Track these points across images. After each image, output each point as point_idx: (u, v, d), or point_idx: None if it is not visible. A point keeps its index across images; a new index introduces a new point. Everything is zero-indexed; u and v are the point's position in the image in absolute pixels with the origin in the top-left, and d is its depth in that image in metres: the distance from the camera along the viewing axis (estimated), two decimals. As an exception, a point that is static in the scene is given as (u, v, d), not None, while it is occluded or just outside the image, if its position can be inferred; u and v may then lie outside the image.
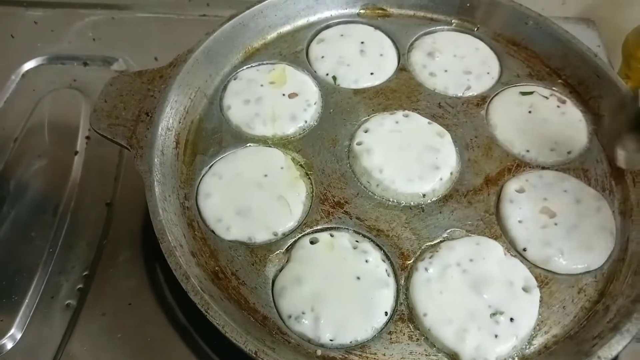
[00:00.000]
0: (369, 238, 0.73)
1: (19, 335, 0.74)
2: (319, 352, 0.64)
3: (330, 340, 0.65)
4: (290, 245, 0.72)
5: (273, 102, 0.84)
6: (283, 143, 0.81)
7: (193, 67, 0.83)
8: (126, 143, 0.75)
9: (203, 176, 0.77)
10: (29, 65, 1.06)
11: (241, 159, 0.78)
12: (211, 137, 0.81)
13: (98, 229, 0.84)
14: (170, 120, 0.79)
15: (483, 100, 0.87)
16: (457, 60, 0.91)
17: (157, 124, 0.76)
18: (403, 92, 0.87)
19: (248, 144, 0.81)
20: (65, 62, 1.06)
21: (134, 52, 1.07)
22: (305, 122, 0.83)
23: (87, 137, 0.95)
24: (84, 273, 0.80)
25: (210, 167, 0.78)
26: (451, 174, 0.79)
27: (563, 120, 0.85)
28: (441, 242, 0.73)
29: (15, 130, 0.95)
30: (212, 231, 0.73)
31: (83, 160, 0.92)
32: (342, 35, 0.93)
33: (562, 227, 0.74)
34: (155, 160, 0.73)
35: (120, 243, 0.83)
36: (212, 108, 0.85)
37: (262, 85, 0.86)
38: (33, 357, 0.73)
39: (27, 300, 0.77)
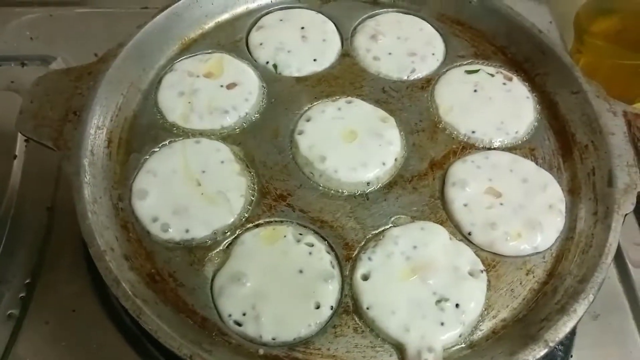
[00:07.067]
0: (313, 230, 0.71)
1: (-42, 349, 0.72)
2: (261, 352, 0.63)
3: (273, 338, 0.63)
4: (230, 242, 0.70)
5: (210, 93, 0.81)
6: (222, 136, 0.79)
7: (124, 62, 0.79)
8: (52, 144, 0.72)
9: (137, 175, 0.74)
10: (-37, 68, 1.01)
11: (177, 155, 0.75)
12: (146, 133, 0.78)
13: (39, 235, 0.81)
14: (100, 118, 0.75)
15: (428, 82, 0.85)
16: (401, 42, 0.88)
17: (86, 123, 0.73)
18: (346, 79, 0.85)
19: (184, 139, 0.78)
20: (1, 63, 1.02)
21: (73, 50, 1.03)
22: (246, 113, 0.80)
23: (26, 141, 0.91)
24: (26, 281, 0.77)
25: (143, 164, 0.75)
26: (395, 160, 0.77)
27: (509, 98, 0.83)
28: (385, 230, 0.71)
29: (-50, 137, 0.92)
30: (148, 232, 0.70)
31: (22, 164, 0.89)
32: (281, 20, 0.90)
33: (508, 208, 0.72)
34: (84, 161, 0.70)
35: (62, 248, 0.80)
36: (146, 103, 0.81)
37: (197, 77, 0.82)
38: (-26, 370, 0.71)
39: (-33, 313, 0.74)
